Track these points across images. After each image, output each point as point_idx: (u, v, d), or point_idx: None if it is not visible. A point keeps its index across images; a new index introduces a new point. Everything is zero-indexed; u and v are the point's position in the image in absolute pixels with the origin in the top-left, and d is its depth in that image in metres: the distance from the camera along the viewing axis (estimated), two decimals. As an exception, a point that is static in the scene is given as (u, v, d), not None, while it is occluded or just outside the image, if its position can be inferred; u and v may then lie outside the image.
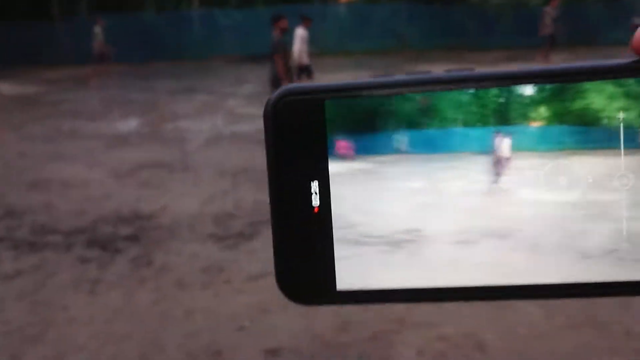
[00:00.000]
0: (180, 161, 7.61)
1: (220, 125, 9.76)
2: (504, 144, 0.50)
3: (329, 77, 15.40)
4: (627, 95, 0.46)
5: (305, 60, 10.69)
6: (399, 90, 0.49)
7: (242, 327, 3.68)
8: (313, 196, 0.50)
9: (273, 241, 0.53)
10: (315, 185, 0.50)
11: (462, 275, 0.48)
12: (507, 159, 0.50)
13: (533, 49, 20.29)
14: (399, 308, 3.76)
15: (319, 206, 0.50)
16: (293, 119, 0.50)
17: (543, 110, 0.48)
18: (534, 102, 0.49)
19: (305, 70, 10.82)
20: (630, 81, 0.46)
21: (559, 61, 15.93)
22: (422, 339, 3.53)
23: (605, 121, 0.47)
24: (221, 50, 20.43)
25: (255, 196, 6.09)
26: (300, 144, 0.50)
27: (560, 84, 0.47)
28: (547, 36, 17.35)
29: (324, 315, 3.73)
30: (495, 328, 3.55)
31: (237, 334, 3.66)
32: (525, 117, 0.49)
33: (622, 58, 0.45)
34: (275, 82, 8.69)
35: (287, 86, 0.51)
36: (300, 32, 10.56)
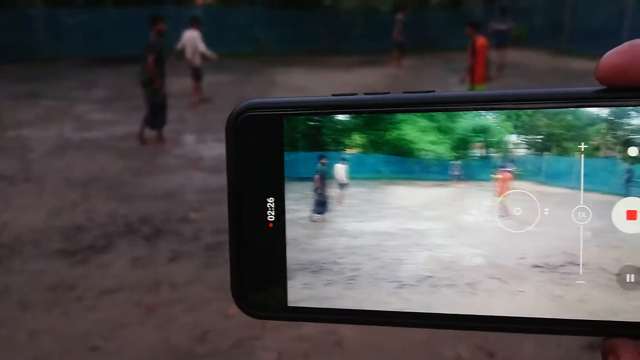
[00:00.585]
0: (22, 172, 7.04)
1: (69, 133, 9.17)
2: (337, 170, 0.50)
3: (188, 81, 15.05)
4: (438, 129, 0.48)
5: (197, 62, 11.14)
6: (364, 111, 0.48)
7: (95, 347, 3.47)
8: (268, 211, 0.51)
9: (229, 254, 0.54)
10: (271, 201, 0.50)
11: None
12: (343, 185, 0.50)
13: (385, 53, 21.32)
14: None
15: (273, 222, 0.51)
16: (253, 133, 0.50)
17: (358, 138, 0.49)
18: (348, 129, 0.49)
19: (195, 72, 11.39)
20: (440, 116, 0.48)
21: (408, 66, 16.83)
22: (283, 341, 3.56)
23: (419, 153, 0.48)
24: (68, 52, 19.25)
25: (108, 206, 5.79)
26: (258, 159, 0.50)
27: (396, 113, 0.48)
28: (398, 42, 18.49)
29: (182, 326, 3.63)
30: (355, 326, 3.66)
31: (90, 355, 3.45)
32: (339, 144, 0.50)
33: (588, 86, 0.45)
34: (148, 84, 8.36)
35: (249, 100, 0.51)
36: (194, 35, 10.97)
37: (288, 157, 0.49)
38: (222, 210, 5.62)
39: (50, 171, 7.06)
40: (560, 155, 0.45)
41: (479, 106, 0.46)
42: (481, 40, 9.04)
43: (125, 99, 12.44)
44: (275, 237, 0.51)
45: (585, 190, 0.45)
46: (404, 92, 0.49)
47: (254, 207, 0.51)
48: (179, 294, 4.04)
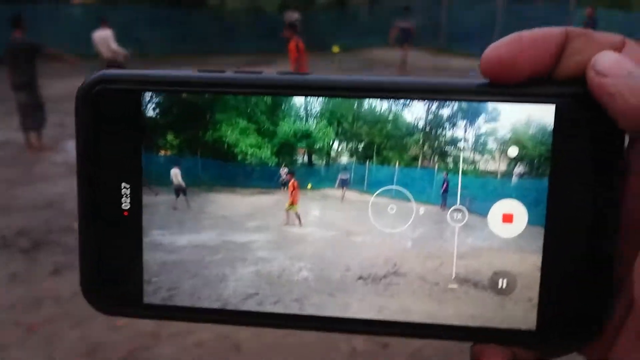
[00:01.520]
0: None
1: None
2: (173, 174, 0.45)
3: (65, 83, 14.28)
4: (259, 132, 0.45)
5: (120, 58, 11.60)
6: (233, 91, 0.44)
7: (-31, 372, 3.21)
8: (123, 199, 0.45)
9: (79, 244, 0.47)
10: (126, 187, 0.45)
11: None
12: (180, 189, 0.46)
13: (272, 53, 21.37)
14: (153, 321, 3.63)
15: (128, 210, 0.45)
16: (107, 110, 0.44)
17: (172, 138, 0.45)
18: (162, 126, 0.44)
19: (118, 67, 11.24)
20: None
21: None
22: (178, 349, 3.46)
23: (240, 157, 0.45)
24: None
25: (-19, 220, 5.37)
26: (113, 139, 0.44)
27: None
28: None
29: (68, 343, 3.43)
30: (249, 329, 3.63)
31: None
32: (154, 146, 0.44)
33: (470, 78, 0.42)
34: (23, 86, 7.92)
35: (103, 71, 0.44)
36: (105, 33, 11.48)
37: (146, 139, 0.44)
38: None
39: None
40: (384, 163, 0.44)
41: (360, 93, 0.43)
42: (292, 44, 9.59)
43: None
44: (130, 227, 0.45)
45: (417, 200, 0.44)
46: (277, 73, 0.44)
47: (107, 193, 0.45)
48: (63, 308, 3.82)
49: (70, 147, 8.17)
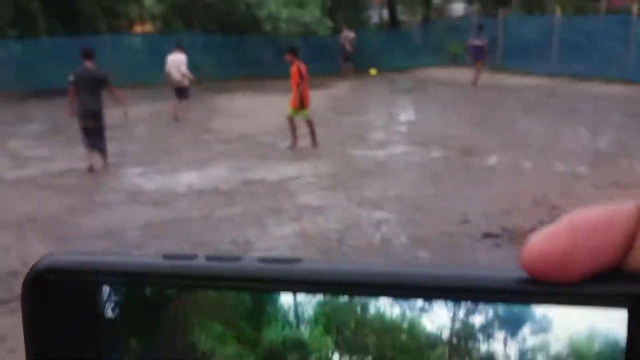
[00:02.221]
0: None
1: (2, 170, 8.82)
2: None
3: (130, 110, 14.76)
4: (239, 339, 0.35)
5: (186, 83, 12.88)
6: (204, 285, 0.34)
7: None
8: None
9: None
10: None
11: None
12: None
13: (324, 76, 21.52)
14: None
15: None
16: (56, 305, 0.36)
17: (134, 343, 0.36)
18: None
19: (183, 92, 13.01)
20: None
21: (349, 87, 16.93)
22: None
23: None
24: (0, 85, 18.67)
25: (47, 249, 5.56)
26: (62, 340, 0.36)
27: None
28: (348, 56, 20.98)
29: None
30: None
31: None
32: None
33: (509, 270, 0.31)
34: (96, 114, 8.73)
35: (54, 258, 0.36)
36: (181, 58, 12.81)
37: (102, 342, 0.36)
38: (166, 246, 5.50)
39: (-19, 214, 6.75)
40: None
41: (366, 291, 0.32)
42: (294, 68, 9.81)
43: (62, 133, 12.10)
44: None
45: None
46: (259, 260, 0.33)
47: None
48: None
49: (129, 174, 8.41)
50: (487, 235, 5.61)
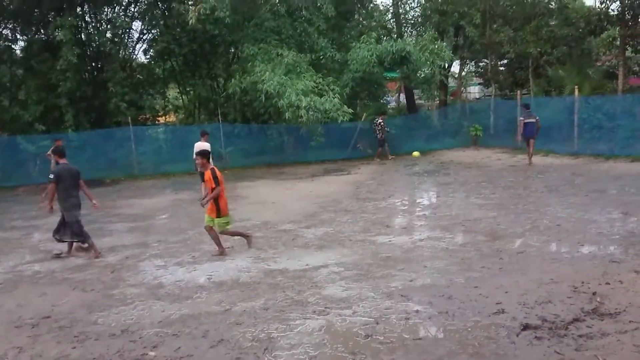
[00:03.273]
0: (-34, 315, 6.51)
1: (20, 265, 8.70)
2: None
3: (151, 200, 14.80)
4: None
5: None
6: None
7: None
8: None
9: None
10: None
11: None
12: None
13: (345, 161, 21.59)
14: None
15: None
16: None
17: None
18: None
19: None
20: None
21: (370, 171, 16.87)
22: None
23: None
24: (28, 179, 18.97)
25: (59, 350, 5.30)
26: None
27: None
28: (381, 140, 21.56)
29: None
30: None
31: None
32: None
33: None
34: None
35: None
36: (207, 145, 13.60)
37: None
38: (184, 344, 5.20)
39: (-4, 312, 6.55)
40: None
41: None
42: (208, 173, 8.75)
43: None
44: None
45: None
46: None
47: None
48: None
49: (148, 268, 8.21)
50: (525, 327, 5.23)
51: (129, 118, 20.87)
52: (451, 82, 34.66)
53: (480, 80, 38.73)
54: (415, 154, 21.99)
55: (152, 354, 5.09)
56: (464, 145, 23.63)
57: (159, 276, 7.68)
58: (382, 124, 21.51)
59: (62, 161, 9.18)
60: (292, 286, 6.85)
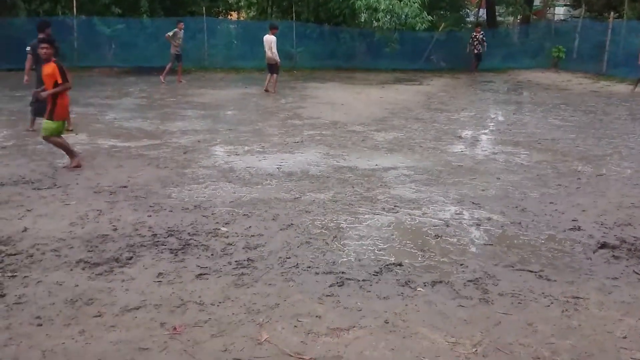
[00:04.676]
0: (48, 177, 6.80)
1: (98, 140, 8.97)
2: None
3: (221, 92, 14.89)
4: None
5: (277, 59, 14.66)
6: None
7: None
8: None
9: None
10: None
11: None
12: None
13: (418, 72, 20.95)
14: (295, 342, 3.38)
15: None
16: None
17: None
18: None
19: (272, 68, 14.82)
20: None
21: (441, 84, 16.39)
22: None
23: None
24: (102, 61, 19.30)
25: (136, 217, 5.49)
26: None
27: None
28: (475, 55, 21.10)
29: (211, 352, 3.27)
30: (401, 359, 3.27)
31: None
32: None
33: None
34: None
35: None
36: (272, 39, 14.55)
37: None
38: (254, 225, 5.29)
39: (77, 178, 6.81)
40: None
41: None
42: (52, 66, 6.96)
43: (157, 108, 12.28)
44: None
45: None
46: None
47: None
48: (207, 314, 3.69)
49: (219, 152, 8.32)
50: (603, 245, 5.05)
51: (203, 9, 20.69)
52: (536, 1, 32.59)
53: (567, 2, 36.22)
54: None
55: (224, 229, 5.21)
56: (544, 67, 22.49)
57: (229, 161, 7.78)
58: (481, 38, 20.89)
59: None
60: (361, 183, 6.81)
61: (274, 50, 14.61)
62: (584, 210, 5.99)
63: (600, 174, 7.52)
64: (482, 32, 21.22)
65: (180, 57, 16.23)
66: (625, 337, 3.55)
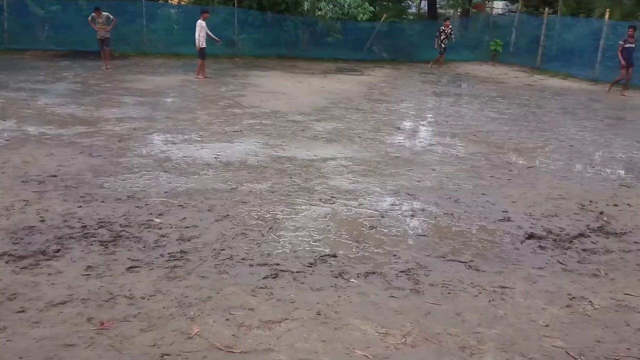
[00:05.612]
0: (-27, 166, 6.50)
1: (28, 126, 8.61)
2: None
3: (160, 78, 14.55)
4: None
5: (203, 44, 14.83)
6: None
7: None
8: None
9: None
10: None
11: None
12: None
13: (361, 62, 21.07)
14: (227, 335, 3.36)
15: None
16: None
17: None
18: None
19: (199, 53, 15.02)
20: None
21: (383, 75, 16.57)
22: (252, 368, 3.17)
23: None
24: (35, 43, 18.49)
25: (65, 207, 5.32)
26: None
27: None
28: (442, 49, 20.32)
29: (140, 347, 3.20)
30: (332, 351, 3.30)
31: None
32: None
33: None
34: None
35: None
36: (199, 23, 14.76)
37: None
38: (189, 216, 5.22)
39: (3, 167, 6.53)
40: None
41: None
42: None
43: (92, 94, 11.89)
44: None
45: None
46: None
47: None
48: (137, 308, 3.62)
49: (156, 141, 8.15)
50: (530, 236, 5.23)
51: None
52: (476, -6, 33.27)
53: (506, -5, 37.16)
54: None
55: (157, 220, 5.11)
56: (482, 59, 23.02)
57: (166, 150, 7.63)
58: (449, 32, 20.31)
59: None
60: (300, 174, 6.81)
61: (197, 34, 14.78)
62: (514, 202, 6.19)
63: (531, 166, 7.78)
64: (450, 27, 20.61)
65: (105, 42, 15.76)
66: (547, 326, 3.69)
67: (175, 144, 7.99)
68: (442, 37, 20.29)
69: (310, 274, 4.22)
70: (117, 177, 6.33)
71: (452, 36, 20.57)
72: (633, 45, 15.44)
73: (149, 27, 20.43)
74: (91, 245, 4.53)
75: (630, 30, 15.56)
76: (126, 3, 19.87)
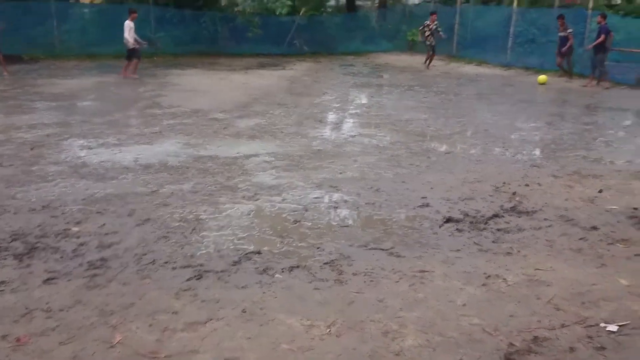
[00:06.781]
0: None
1: None
2: None
3: (74, 81, 14.05)
4: None
5: (131, 45, 14.67)
6: None
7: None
8: None
9: None
10: None
11: None
12: None
13: (282, 56, 21.07)
14: (151, 340, 3.33)
15: None
16: None
17: None
18: None
19: (133, 52, 14.87)
20: None
21: (305, 68, 16.70)
22: (178, 371, 3.16)
23: None
24: None
25: (-26, 221, 5.08)
26: None
27: None
28: (430, 46, 18.77)
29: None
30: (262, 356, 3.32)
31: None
32: None
33: None
34: None
35: None
36: (127, 24, 14.52)
37: None
38: (108, 222, 5.10)
39: None
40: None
41: None
42: None
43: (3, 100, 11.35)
44: None
45: None
46: None
47: None
48: (55, 321, 3.51)
49: (70, 147, 7.89)
50: (448, 220, 5.43)
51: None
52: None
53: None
54: (542, 78, 15.90)
55: (75, 229, 4.96)
56: (401, 49, 23.55)
57: (82, 156, 7.39)
58: (435, 28, 18.67)
59: None
60: (222, 172, 6.78)
61: (126, 35, 14.59)
62: (432, 188, 6.40)
63: (449, 152, 8.05)
64: (436, 22, 18.87)
65: None
66: (464, 305, 3.85)
67: (91, 148, 7.76)
68: (426, 34, 18.82)
69: (235, 273, 4.22)
70: (31, 187, 6.10)
71: (440, 32, 18.92)
72: (565, 34, 15.81)
73: (60, 28, 19.66)
74: (4, 259, 4.36)
75: (559, 20, 16.04)
76: (31, 3, 19.02)
